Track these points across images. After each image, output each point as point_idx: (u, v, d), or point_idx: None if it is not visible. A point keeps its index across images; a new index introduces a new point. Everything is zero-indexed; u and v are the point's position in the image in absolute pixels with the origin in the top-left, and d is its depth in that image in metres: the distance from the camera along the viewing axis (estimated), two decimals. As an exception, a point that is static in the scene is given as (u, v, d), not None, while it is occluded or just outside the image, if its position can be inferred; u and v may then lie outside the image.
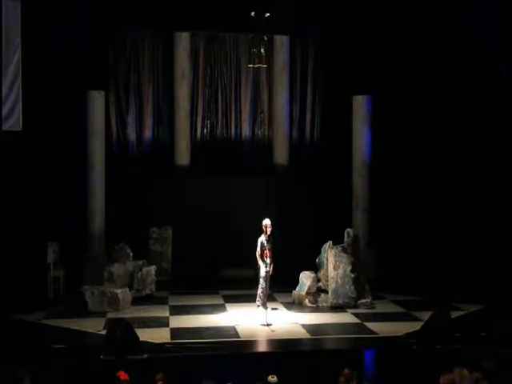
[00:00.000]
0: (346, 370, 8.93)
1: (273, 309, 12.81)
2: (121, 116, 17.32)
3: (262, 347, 11.78)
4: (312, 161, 17.83)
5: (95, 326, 12.32)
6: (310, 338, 11.89)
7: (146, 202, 16.60)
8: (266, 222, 12.82)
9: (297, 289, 14.41)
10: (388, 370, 10.29)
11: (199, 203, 16.74)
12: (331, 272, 14.03)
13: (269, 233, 12.76)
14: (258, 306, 12.77)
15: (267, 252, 12.65)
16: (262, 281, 12.75)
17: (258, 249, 12.69)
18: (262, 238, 12.75)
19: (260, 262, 12.68)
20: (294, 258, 15.22)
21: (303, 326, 12.58)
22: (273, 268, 12.70)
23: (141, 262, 15.29)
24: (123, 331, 10.61)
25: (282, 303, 14.33)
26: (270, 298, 13.63)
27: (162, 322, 12.78)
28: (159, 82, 17.51)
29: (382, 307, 14.10)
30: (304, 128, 18.08)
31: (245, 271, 13.69)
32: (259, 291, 12.78)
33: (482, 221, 14.86)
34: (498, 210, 14.74)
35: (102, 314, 13.23)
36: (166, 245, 16.62)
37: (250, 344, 11.72)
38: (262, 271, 12.68)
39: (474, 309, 13.83)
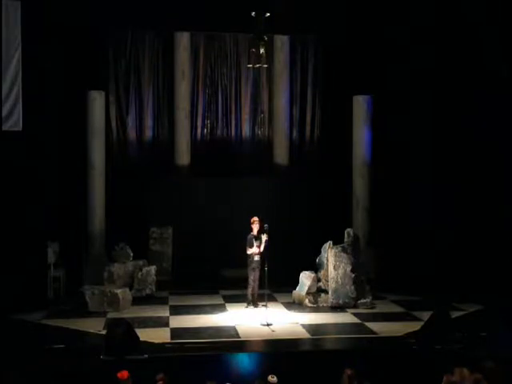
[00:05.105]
0: (347, 370, 8.93)
1: (263, 305, 12.80)
2: (121, 116, 17.32)
3: (261, 347, 11.75)
4: (312, 161, 17.83)
5: (95, 326, 12.31)
6: (310, 338, 11.88)
7: (146, 201, 16.59)
8: (253, 218, 13.48)
9: (297, 289, 14.40)
10: (388, 369, 10.28)
11: (199, 203, 16.75)
12: (331, 272, 14.02)
13: (257, 229, 13.32)
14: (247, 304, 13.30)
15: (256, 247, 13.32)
16: (250, 279, 13.37)
17: (248, 247, 13.41)
18: (251, 236, 13.43)
19: (250, 250, 13.30)
20: (294, 258, 15.24)
21: (303, 326, 12.57)
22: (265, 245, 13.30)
23: (141, 262, 15.30)
24: (123, 331, 10.61)
25: (282, 303, 14.32)
26: (270, 297, 13.66)
27: (162, 322, 12.79)
28: (159, 82, 17.51)
29: (382, 307, 14.09)
30: (304, 128, 18.07)
31: (245, 271, 13.69)
32: (248, 290, 13.41)
33: (482, 221, 14.85)
34: (498, 210, 14.74)
35: (101, 314, 13.24)
36: (166, 245, 16.60)
37: (250, 344, 11.73)
38: (253, 262, 13.27)
39: (473, 309, 13.83)
